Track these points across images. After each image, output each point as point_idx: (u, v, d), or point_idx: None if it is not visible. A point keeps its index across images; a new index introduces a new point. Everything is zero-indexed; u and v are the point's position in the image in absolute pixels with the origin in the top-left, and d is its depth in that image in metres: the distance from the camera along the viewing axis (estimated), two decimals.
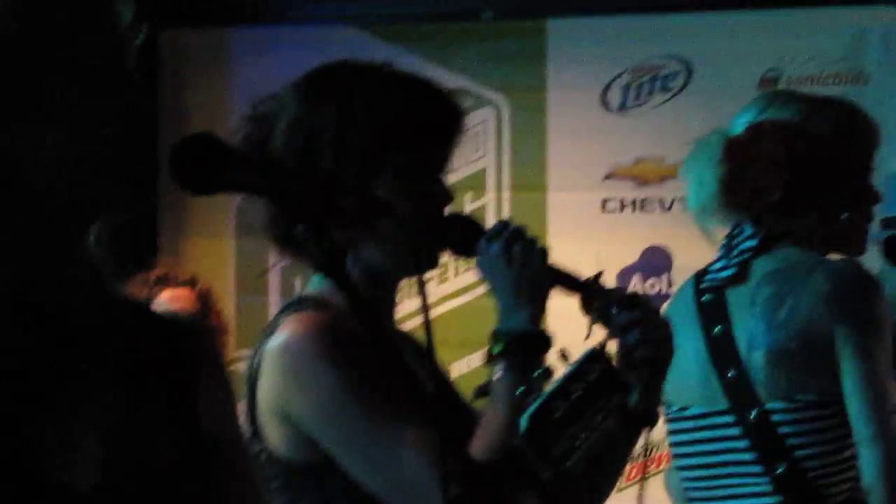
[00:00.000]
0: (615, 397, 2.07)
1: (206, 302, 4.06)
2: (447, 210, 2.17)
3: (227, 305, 4.49)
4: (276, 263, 2.69)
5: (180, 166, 1.43)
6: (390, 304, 2.21)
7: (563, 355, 2.09)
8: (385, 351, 1.68)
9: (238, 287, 4.82)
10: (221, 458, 1.51)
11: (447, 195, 2.17)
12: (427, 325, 1.49)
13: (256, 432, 2.07)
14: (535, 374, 2.04)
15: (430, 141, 2.16)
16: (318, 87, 2.16)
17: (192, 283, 4.06)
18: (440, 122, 2.18)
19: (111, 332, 1.46)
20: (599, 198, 4.70)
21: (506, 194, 4.75)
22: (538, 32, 4.74)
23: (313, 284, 2.15)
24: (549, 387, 2.04)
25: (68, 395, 1.40)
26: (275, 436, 2.06)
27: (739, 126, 2.79)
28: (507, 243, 2.12)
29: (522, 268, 2.11)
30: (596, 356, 2.07)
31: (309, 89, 2.15)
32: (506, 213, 4.68)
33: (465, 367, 4.46)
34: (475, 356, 4.35)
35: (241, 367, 2.23)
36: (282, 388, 2.03)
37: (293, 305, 2.10)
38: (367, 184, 2.07)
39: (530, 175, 4.72)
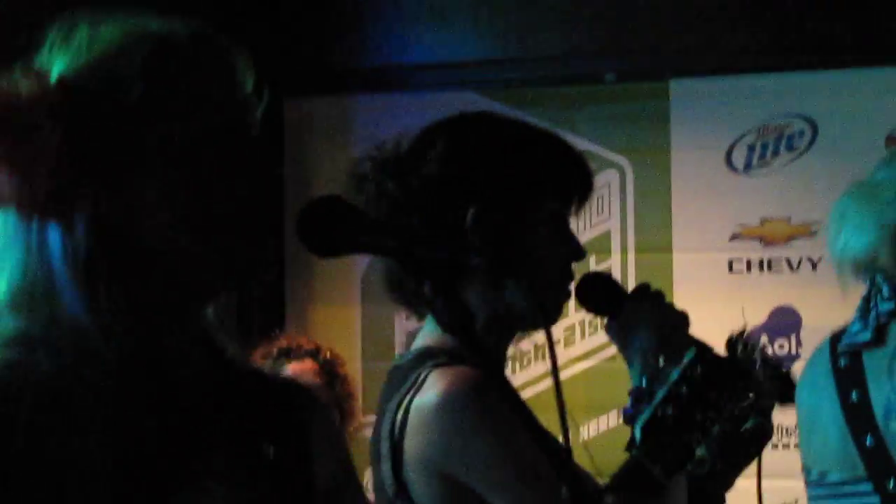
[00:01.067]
0: (723, 396, 2.00)
1: (330, 370, 4.07)
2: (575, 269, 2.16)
3: (354, 371, 4.50)
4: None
5: (308, 228, 1.43)
6: (504, 359, 2.19)
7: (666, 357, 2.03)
8: (520, 408, 1.67)
9: (364, 353, 4.84)
10: None
11: (580, 252, 2.15)
12: (556, 382, 1.47)
13: (402, 489, 2.04)
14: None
15: (567, 196, 2.14)
16: (455, 139, 2.13)
17: (314, 353, 4.08)
18: (576, 177, 2.16)
19: (229, 399, 1.46)
20: (726, 258, 4.65)
21: (631, 256, 4.71)
22: (661, 93, 4.71)
23: (430, 332, 2.13)
24: (657, 393, 1.98)
25: (190, 462, 1.40)
26: (424, 492, 2.03)
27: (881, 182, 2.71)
28: (654, 304, 2.10)
29: (673, 330, 2.08)
30: (699, 357, 2.02)
31: (446, 141, 2.12)
32: (631, 275, 4.65)
33: (594, 430, 4.44)
34: (601, 419, 4.32)
35: (367, 433, 2.22)
36: (441, 445, 2.00)
37: (427, 358, 2.07)
38: (499, 240, 2.05)
39: (655, 236, 4.69)
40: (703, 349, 2.02)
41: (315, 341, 4.22)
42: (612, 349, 2.19)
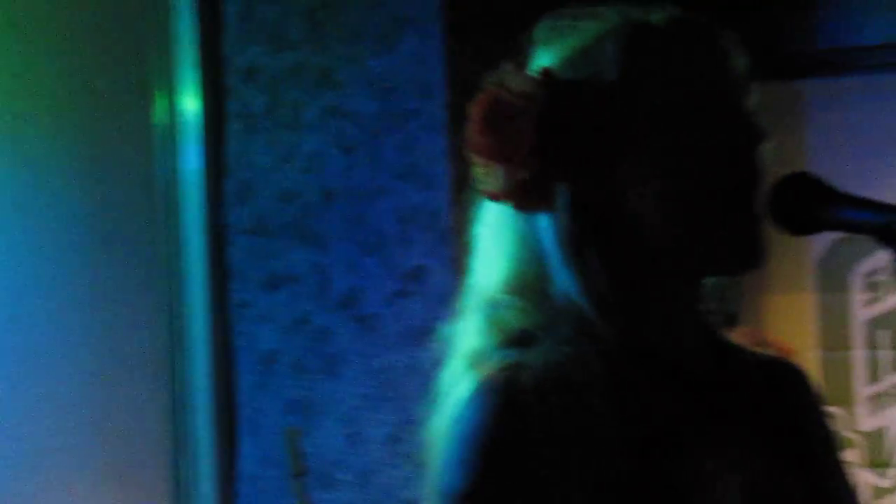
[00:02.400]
0: None
1: None
2: None
3: (808, 361, 4.42)
4: None
5: (781, 205, 1.42)
6: None
7: None
8: None
9: (821, 342, 4.74)
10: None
11: None
12: None
13: None
14: None
15: None
16: None
17: (762, 344, 4.03)
18: None
19: (727, 375, 1.47)
20: None
21: None
22: None
23: None
24: None
25: (703, 443, 1.42)
26: None
27: None
28: None
29: None
30: None
31: None
32: None
33: None
34: None
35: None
36: None
37: None
38: None
39: None
40: None
41: (767, 331, 4.18)
42: None
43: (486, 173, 1.48)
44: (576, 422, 1.34)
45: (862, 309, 4.41)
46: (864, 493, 4.12)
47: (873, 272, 4.41)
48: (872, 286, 4.44)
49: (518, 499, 1.32)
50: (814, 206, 1.42)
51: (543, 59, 1.50)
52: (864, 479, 4.30)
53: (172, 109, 3.99)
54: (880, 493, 4.34)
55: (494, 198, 1.48)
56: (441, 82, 3.81)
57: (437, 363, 1.55)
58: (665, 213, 1.43)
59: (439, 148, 3.81)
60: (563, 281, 1.42)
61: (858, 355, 4.53)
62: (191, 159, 4.00)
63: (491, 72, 1.51)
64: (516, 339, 1.43)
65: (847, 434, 4.32)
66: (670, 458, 1.38)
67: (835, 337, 4.65)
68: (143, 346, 3.92)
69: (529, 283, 1.46)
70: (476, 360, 1.45)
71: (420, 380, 1.53)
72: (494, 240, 1.51)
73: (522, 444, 1.33)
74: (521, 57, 1.52)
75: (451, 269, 3.75)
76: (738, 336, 4.20)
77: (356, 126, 3.91)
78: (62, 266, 3.72)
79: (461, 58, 3.76)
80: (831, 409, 2.10)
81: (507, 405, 1.36)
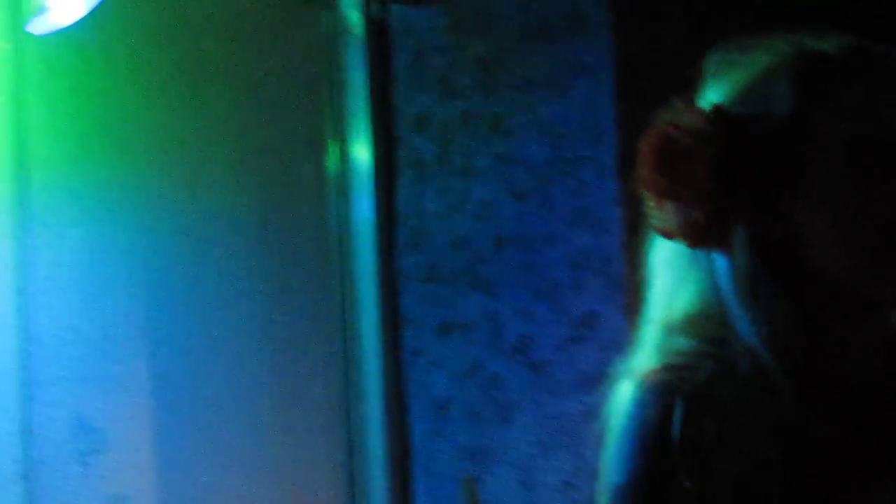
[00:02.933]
0: None
1: None
2: None
3: None
4: None
5: None
6: None
7: None
8: None
9: None
10: None
11: None
12: None
13: None
14: None
15: None
16: None
17: None
18: None
19: None
20: None
21: None
22: None
23: None
24: None
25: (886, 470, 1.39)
26: None
27: None
28: None
29: None
30: None
31: None
32: None
33: None
34: None
35: None
36: None
37: None
38: None
39: None
40: None
41: None
42: None
43: (658, 210, 1.47)
44: (735, 435, 1.33)
45: None
46: None
47: None
48: None
49: (672, 495, 1.32)
50: None
51: (713, 93, 1.48)
52: None
53: (345, 159, 4.04)
54: None
55: (667, 235, 1.47)
56: (612, 127, 3.80)
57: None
58: (845, 247, 1.40)
59: (610, 193, 3.79)
60: (739, 318, 1.40)
61: None
62: (363, 207, 4.04)
63: (661, 108, 1.49)
64: (686, 361, 1.42)
65: None
66: (839, 484, 1.35)
67: None
68: (318, 393, 3.95)
69: (703, 319, 1.44)
70: (643, 372, 1.45)
71: (594, 426, 1.52)
72: (668, 276, 1.49)
73: (683, 445, 1.33)
74: (690, 92, 1.50)
75: (623, 314, 3.72)
76: None
77: (527, 172, 3.91)
78: (240, 316, 3.77)
79: (632, 103, 3.74)
80: None
81: (668, 405, 1.36)
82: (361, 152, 4.05)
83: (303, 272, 3.95)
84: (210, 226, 3.73)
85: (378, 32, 4.07)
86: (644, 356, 1.49)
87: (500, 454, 3.94)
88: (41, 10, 3.03)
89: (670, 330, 1.46)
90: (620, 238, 3.76)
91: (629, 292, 3.70)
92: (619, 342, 1.53)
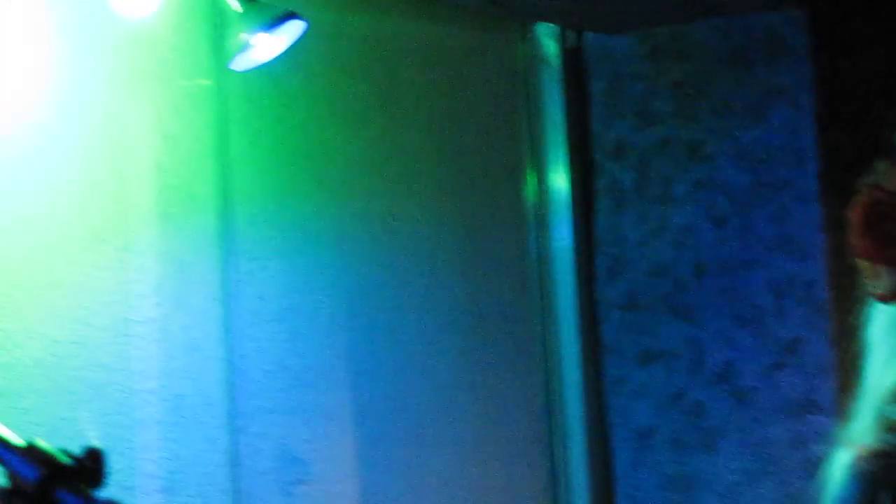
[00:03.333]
0: None
1: None
2: None
3: None
4: None
5: None
6: None
7: None
8: None
9: None
10: None
11: None
12: None
13: None
14: None
15: None
16: None
17: None
18: None
19: None
20: None
21: None
22: None
23: None
24: None
25: None
26: None
27: None
28: None
29: None
30: None
31: None
32: None
33: None
34: None
35: None
36: None
37: None
38: None
39: None
40: None
41: None
42: None
43: (872, 276, 1.44)
44: None
45: None
46: None
47: None
48: None
49: None
50: None
51: None
52: None
53: (543, 187, 4.05)
54: None
55: (883, 300, 1.44)
56: (813, 152, 3.74)
57: (818, 436, 1.52)
58: None
59: (813, 218, 3.74)
60: None
61: None
62: (562, 236, 4.04)
63: (866, 170, 1.47)
64: None
65: None
66: None
67: None
68: (520, 422, 3.95)
69: None
70: (858, 447, 1.42)
71: (800, 454, 1.50)
72: (885, 344, 1.46)
73: None
74: (894, 153, 1.47)
75: (827, 340, 3.65)
76: None
77: (727, 198, 3.88)
78: (441, 346, 3.79)
79: (833, 127, 3.68)
80: None
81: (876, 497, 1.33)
82: (559, 181, 4.05)
83: (503, 302, 3.96)
84: (410, 257, 3.76)
85: (574, 61, 4.07)
86: (861, 426, 1.46)
87: (704, 483, 3.90)
88: (243, 47, 3.10)
89: (887, 400, 1.43)
90: (824, 263, 3.71)
91: (833, 318, 3.64)
92: (824, 368, 1.50)
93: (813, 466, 1.55)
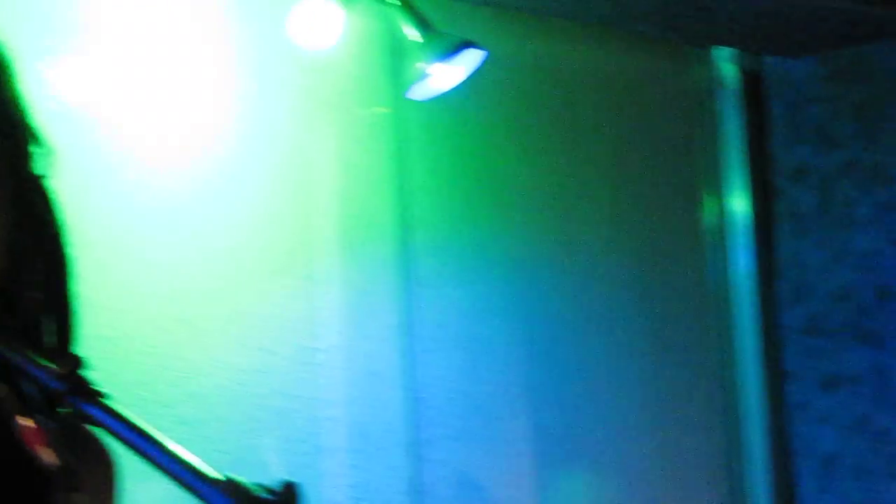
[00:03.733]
0: None
1: None
2: None
3: None
4: None
5: None
6: None
7: None
8: None
9: None
10: None
11: None
12: None
13: None
14: None
15: None
16: None
17: None
18: None
19: None
20: None
21: None
22: None
23: None
24: None
25: None
26: None
27: None
28: None
29: None
30: None
31: None
32: None
33: None
34: None
35: None
36: None
37: None
38: None
39: None
40: None
41: None
42: None
43: None
44: None
45: None
46: None
47: None
48: None
49: None
50: None
51: None
52: None
53: (722, 212, 4.01)
54: None
55: None
56: None
57: None
58: None
59: None
60: None
61: None
62: (742, 261, 4.00)
63: None
64: None
65: None
66: None
67: None
68: (701, 450, 3.92)
69: None
70: None
71: None
72: None
73: None
74: None
75: None
76: None
77: None
78: (620, 373, 3.78)
79: None
80: None
81: None
82: (739, 205, 4.01)
83: (682, 327, 3.93)
84: (588, 283, 3.76)
85: (753, 84, 4.03)
86: None
87: None
88: (421, 76, 3.13)
89: None
90: None
91: None
92: None
93: None
